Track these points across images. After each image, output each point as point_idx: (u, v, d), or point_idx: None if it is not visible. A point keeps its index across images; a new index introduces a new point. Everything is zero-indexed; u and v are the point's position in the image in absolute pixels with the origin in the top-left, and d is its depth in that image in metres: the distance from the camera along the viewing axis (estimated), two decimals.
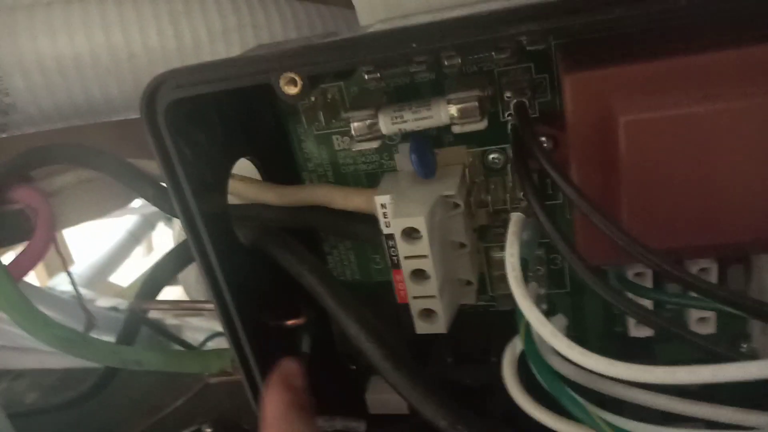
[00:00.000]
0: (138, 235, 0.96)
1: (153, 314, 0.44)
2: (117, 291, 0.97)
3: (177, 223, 0.84)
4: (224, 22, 0.32)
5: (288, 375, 0.26)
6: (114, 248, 0.94)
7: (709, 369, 0.18)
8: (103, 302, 0.77)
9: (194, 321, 0.91)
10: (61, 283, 0.83)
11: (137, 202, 0.87)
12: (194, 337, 0.50)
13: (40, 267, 0.98)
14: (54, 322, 0.27)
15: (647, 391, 0.22)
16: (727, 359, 0.18)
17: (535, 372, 0.21)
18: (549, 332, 0.20)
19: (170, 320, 0.65)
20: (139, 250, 1.00)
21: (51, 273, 0.91)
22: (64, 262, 0.31)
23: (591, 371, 0.19)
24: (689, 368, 0.18)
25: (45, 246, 0.29)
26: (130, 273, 0.98)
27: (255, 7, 0.33)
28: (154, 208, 0.90)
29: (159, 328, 0.34)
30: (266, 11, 0.33)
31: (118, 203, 0.36)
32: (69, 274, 0.33)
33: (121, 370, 0.39)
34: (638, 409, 0.22)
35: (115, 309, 0.71)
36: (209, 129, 0.24)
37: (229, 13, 0.32)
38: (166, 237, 0.99)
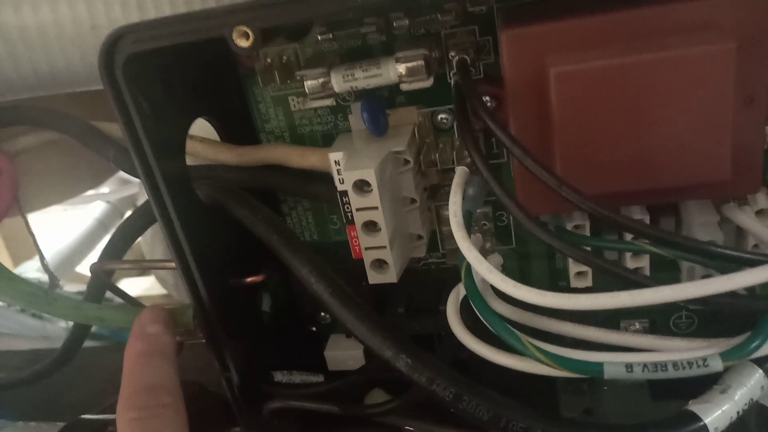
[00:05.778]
0: (107, 224, 0.95)
1: None
2: (85, 281, 0.96)
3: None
4: None
5: (143, 324, 0.27)
6: (82, 237, 0.92)
7: (628, 294, 0.19)
8: (71, 288, 0.77)
9: None
10: (26, 271, 0.83)
11: (104, 188, 0.87)
12: None
13: (5, 256, 0.97)
14: (19, 277, 0.28)
15: (572, 323, 0.24)
16: None
17: (474, 307, 0.22)
18: (485, 269, 0.21)
19: None
20: (107, 240, 0.99)
21: (17, 262, 0.90)
22: (28, 227, 0.32)
23: (524, 303, 0.21)
24: (609, 294, 0.19)
25: (8, 204, 0.30)
26: None
27: None
28: (122, 195, 0.89)
29: (123, 294, 0.35)
30: None
31: (83, 173, 0.37)
32: (33, 236, 0.33)
33: (83, 346, 0.40)
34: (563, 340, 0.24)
35: (82, 293, 0.71)
36: (168, 87, 0.25)
37: None
38: None
